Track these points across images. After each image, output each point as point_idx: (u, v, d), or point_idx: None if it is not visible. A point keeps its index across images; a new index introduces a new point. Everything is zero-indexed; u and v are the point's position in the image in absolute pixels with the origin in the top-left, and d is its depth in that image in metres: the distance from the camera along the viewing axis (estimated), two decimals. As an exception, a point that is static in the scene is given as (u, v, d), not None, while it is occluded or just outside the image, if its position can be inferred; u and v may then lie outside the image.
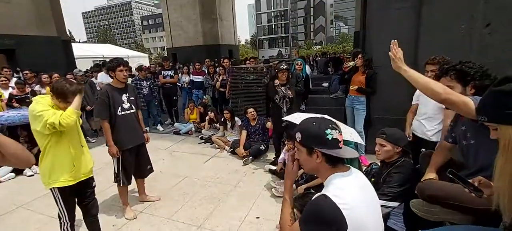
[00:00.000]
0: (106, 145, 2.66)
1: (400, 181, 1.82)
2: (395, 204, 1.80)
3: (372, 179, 2.18)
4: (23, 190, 3.54)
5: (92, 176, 2.22)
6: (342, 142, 1.09)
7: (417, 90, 2.59)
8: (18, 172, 4.01)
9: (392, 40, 1.55)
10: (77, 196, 2.17)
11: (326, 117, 1.19)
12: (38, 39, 7.80)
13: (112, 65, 2.64)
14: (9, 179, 3.90)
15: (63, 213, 2.07)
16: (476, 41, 2.99)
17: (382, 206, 1.59)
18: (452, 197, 1.41)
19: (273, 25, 63.12)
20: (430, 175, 1.67)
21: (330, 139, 1.06)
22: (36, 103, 1.87)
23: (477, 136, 1.46)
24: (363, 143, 3.44)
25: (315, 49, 45.73)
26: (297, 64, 5.21)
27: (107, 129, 2.61)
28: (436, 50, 2.57)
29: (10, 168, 3.96)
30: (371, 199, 1.12)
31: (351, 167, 1.14)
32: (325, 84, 7.23)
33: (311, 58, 18.84)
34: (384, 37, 3.41)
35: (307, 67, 6.30)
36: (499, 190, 0.93)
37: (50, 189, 2.01)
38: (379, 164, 2.27)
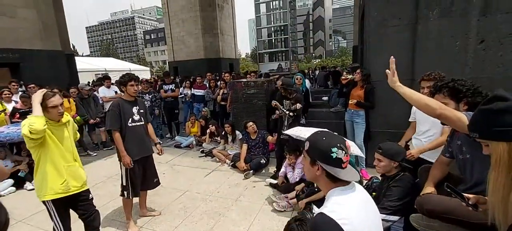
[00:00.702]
0: (118, 158, 2.72)
1: (399, 194, 1.84)
2: (395, 218, 1.81)
3: (373, 193, 2.19)
4: (23, 204, 3.53)
5: (87, 189, 2.21)
6: (346, 163, 1.09)
7: (413, 107, 2.60)
8: (18, 186, 4.00)
9: (392, 58, 1.58)
10: (74, 208, 2.15)
11: (332, 134, 1.19)
12: (42, 53, 7.88)
13: (124, 80, 2.74)
14: (10, 193, 3.89)
15: (58, 226, 2.06)
16: (470, 57, 3.07)
17: (382, 219, 1.60)
18: (450, 212, 1.43)
19: (273, 40, 64.26)
20: (429, 189, 1.70)
21: (334, 157, 1.07)
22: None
23: (472, 150, 1.50)
24: (364, 156, 3.46)
25: (315, 62, 46.22)
26: (297, 79, 5.31)
27: (118, 138, 2.67)
28: (432, 66, 2.63)
29: (11, 182, 3.96)
30: (372, 213, 1.13)
31: (352, 181, 1.14)
32: (325, 98, 7.31)
33: (310, 71, 18.99)
34: (381, 53, 3.52)
35: (307, 81, 6.40)
36: (493, 204, 0.95)
37: (43, 202, 2.01)
38: (380, 177, 2.28)
